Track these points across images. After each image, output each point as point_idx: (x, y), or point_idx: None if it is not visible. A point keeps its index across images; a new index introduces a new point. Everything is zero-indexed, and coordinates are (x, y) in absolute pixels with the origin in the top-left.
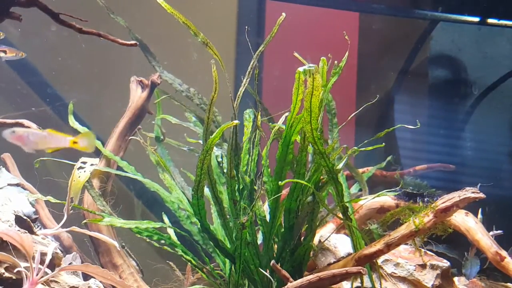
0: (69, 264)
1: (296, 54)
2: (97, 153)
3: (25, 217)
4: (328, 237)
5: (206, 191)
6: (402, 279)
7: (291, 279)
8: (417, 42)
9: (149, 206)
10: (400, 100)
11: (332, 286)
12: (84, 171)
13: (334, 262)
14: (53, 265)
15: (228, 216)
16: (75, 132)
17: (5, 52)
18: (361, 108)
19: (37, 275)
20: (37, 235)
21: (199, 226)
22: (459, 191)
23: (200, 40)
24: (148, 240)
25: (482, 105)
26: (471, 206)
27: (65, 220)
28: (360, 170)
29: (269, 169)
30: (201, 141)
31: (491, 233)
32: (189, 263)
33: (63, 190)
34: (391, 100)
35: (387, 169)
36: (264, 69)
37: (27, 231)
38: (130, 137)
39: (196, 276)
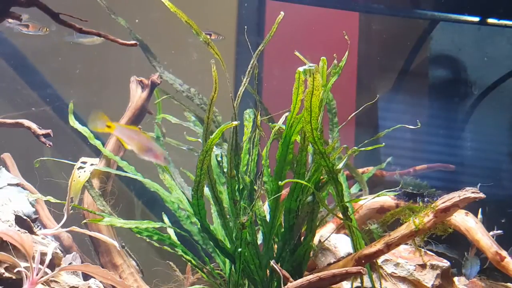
0: (69, 264)
1: (297, 53)
2: (97, 153)
3: (25, 217)
4: (328, 237)
5: (206, 191)
6: (402, 279)
7: (291, 279)
8: (417, 42)
9: (149, 206)
10: (400, 100)
11: (332, 286)
12: (84, 171)
13: (334, 262)
14: (53, 265)
15: (228, 216)
16: (75, 132)
17: (27, 26)
18: (361, 108)
19: (37, 275)
20: (37, 235)
21: (199, 226)
22: (459, 191)
23: (201, 39)
24: (148, 240)
25: (482, 105)
26: (471, 206)
27: (65, 220)
28: (360, 170)
29: (269, 169)
30: (200, 140)
31: (491, 233)
32: (189, 263)
33: (63, 190)
34: (391, 99)
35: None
36: (264, 69)
37: (27, 231)
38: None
39: (196, 276)
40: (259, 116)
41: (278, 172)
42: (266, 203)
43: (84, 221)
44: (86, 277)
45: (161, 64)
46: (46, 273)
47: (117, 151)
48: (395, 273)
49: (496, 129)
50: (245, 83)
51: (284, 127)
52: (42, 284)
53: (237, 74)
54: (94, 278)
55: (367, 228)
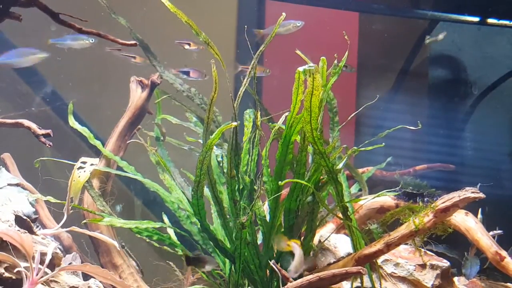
0: (69, 264)
1: (298, 52)
2: (97, 153)
3: (25, 217)
4: (328, 237)
5: (206, 191)
6: (402, 279)
7: (290, 279)
8: (417, 42)
9: (149, 206)
10: (400, 100)
11: (332, 286)
12: (84, 171)
13: (334, 262)
14: (53, 265)
15: (228, 216)
16: (75, 132)
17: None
18: (361, 108)
19: (37, 275)
20: (37, 235)
21: (199, 226)
22: (459, 191)
23: (201, 39)
24: (148, 240)
25: (482, 105)
26: (471, 206)
27: (65, 220)
28: (360, 170)
29: (269, 169)
30: (201, 141)
31: (491, 233)
32: None
33: (63, 190)
34: (391, 99)
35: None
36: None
37: (27, 231)
38: (131, 137)
39: (196, 276)
40: (259, 116)
41: (278, 172)
42: (266, 203)
43: (84, 221)
44: (86, 277)
45: (161, 64)
46: (46, 273)
47: (117, 151)
48: (395, 273)
49: (496, 129)
50: (245, 83)
51: (284, 127)
52: (42, 284)
53: (237, 74)
54: (94, 278)
55: (367, 228)
